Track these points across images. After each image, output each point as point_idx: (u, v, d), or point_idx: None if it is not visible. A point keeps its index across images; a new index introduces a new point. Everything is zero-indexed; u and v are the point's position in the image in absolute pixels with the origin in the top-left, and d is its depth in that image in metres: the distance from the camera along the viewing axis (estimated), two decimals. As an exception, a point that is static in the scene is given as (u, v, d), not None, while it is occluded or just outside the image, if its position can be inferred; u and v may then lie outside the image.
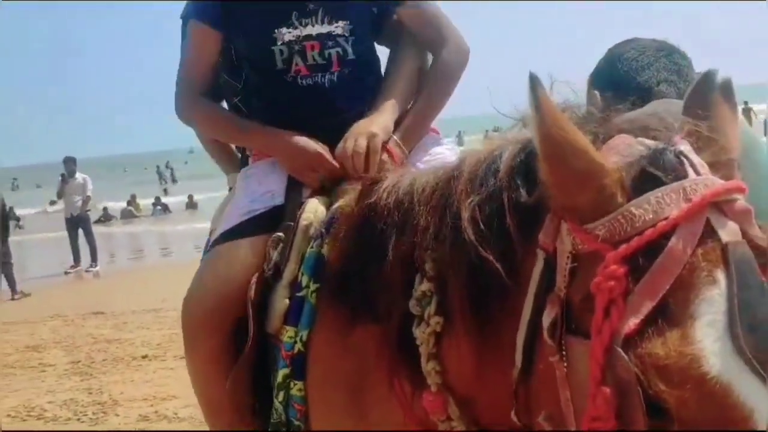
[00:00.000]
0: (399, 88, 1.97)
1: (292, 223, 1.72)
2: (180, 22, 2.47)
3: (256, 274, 1.71)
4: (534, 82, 1.04)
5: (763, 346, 0.92)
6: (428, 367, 1.32)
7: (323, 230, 1.63)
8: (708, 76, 1.16)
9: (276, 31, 1.91)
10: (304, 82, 1.93)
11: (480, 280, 1.20)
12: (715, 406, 0.91)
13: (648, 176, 1.02)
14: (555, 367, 1.06)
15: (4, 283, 11.28)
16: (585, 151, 1.03)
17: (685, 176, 1.02)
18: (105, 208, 23.80)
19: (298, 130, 1.89)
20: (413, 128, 1.94)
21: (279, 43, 1.91)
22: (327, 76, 1.94)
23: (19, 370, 6.83)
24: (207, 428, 1.92)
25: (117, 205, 25.11)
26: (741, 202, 1.02)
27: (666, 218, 0.97)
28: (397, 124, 1.92)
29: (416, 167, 1.82)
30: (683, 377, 0.91)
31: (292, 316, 1.62)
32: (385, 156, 1.85)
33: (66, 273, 13.55)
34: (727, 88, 1.15)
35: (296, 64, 1.92)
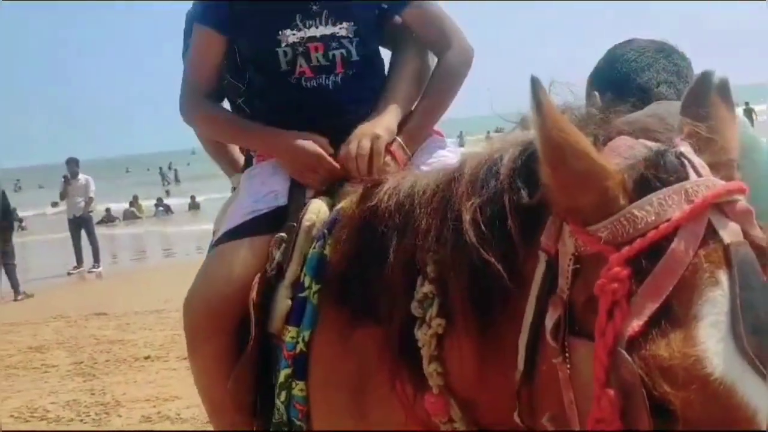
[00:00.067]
0: (402, 90, 1.97)
1: (295, 224, 1.73)
2: (184, 22, 2.48)
3: (259, 274, 1.71)
4: (535, 84, 1.04)
5: (766, 346, 0.93)
6: (430, 368, 1.33)
7: (326, 231, 1.63)
8: (705, 77, 1.16)
9: (280, 32, 1.91)
10: (308, 84, 1.94)
11: (481, 282, 1.20)
12: (719, 406, 0.92)
13: (650, 178, 1.02)
14: (558, 369, 1.07)
15: (8, 284, 11.31)
16: (586, 154, 1.03)
17: (686, 178, 1.02)
18: (108, 209, 23.83)
19: (302, 131, 1.90)
20: (417, 130, 1.95)
21: (283, 45, 1.91)
22: (331, 78, 1.94)
23: (22, 371, 6.83)
24: (209, 429, 1.92)
25: (119, 207, 25.12)
26: (742, 202, 1.02)
27: (668, 220, 0.98)
28: (401, 126, 1.92)
29: (420, 170, 1.82)
30: (687, 378, 0.91)
31: (294, 316, 1.62)
32: (388, 158, 1.85)
33: (69, 274, 13.56)
34: (724, 88, 1.15)
35: (300, 66, 1.93)
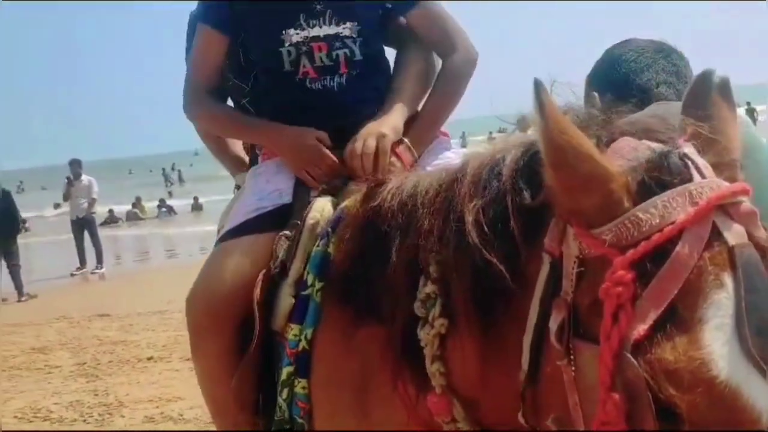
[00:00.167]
0: (408, 89, 1.97)
1: (299, 222, 1.73)
2: (186, 23, 2.49)
3: (263, 272, 1.71)
4: (538, 87, 1.04)
5: (771, 348, 0.93)
6: (432, 368, 1.33)
7: (329, 229, 1.63)
8: (705, 76, 1.15)
9: (284, 32, 1.92)
10: (312, 85, 1.94)
11: (484, 282, 1.20)
12: (724, 409, 0.92)
13: (653, 180, 1.02)
14: (563, 371, 1.06)
15: (12, 285, 11.33)
16: (590, 156, 1.03)
17: (690, 179, 1.02)
18: (111, 210, 23.86)
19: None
20: (423, 133, 1.96)
21: (287, 45, 1.92)
22: (335, 79, 1.94)
23: (26, 371, 6.85)
24: (212, 429, 1.92)
25: (122, 208, 25.15)
26: (746, 204, 1.02)
27: (672, 222, 0.97)
28: (407, 126, 1.93)
29: (425, 170, 1.83)
30: (693, 381, 0.91)
31: (297, 314, 1.63)
32: (394, 159, 1.86)
33: (72, 275, 13.58)
34: (724, 88, 1.14)
35: (304, 66, 1.93)
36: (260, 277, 1.70)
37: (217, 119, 2.10)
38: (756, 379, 0.92)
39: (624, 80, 1.98)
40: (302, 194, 1.86)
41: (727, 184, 1.03)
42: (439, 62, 2.06)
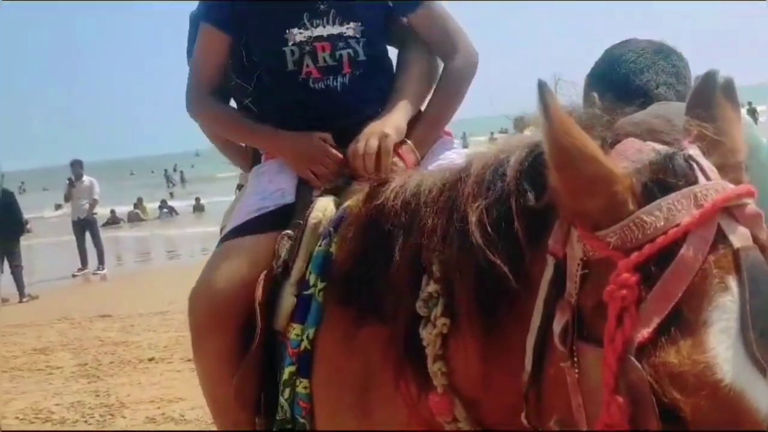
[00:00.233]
0: (410, 89, 1.97)
1: (302, 222, 1.73)
2: (188, 23, 2.49)
3: (265, 272, 1.71)
4: (542, 88, 1.03)
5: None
6: (434, 368, 1.32)
7: (332, 229, 1.63)
8: (709, 77, 1.14)
9: (287, 31, 1.92)
10: (315, 85, 1.94)
11: (487, 283, 1.20)
12: (728, 412, 0.91)
13: (658, 182, 1.01)
14: (566, 373, 1.06)
15: (13, 286, 11.34)
16: (594, 157, 1.02)
17: (695, 181, 1.01)
18: (112, 211, 23.88)
19: (309, 131, 1.90)
20: (426, 135, 1.96)
21: (290, 44, 1.92)
22: (339, 79, 1.94)
23: (27, 372, 6.85)
24: (214, 430, 1.92)
25: (124, 209, 25.17)
26: (751, 206, 1.02)
27: (677, 225, 0.97)
28: (410, 127, 1.93)
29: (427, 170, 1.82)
30: (697, 385, 0.91)
31: (299, 313, 1.62)
32: (396, 159, 1.86)
33: (73, 276, 13.60)
34: (729, 88, 1.13)
35: (307, 66, 1.93)
36: (262, 276, 1.70)
37: (219, 120, 2.10)
38: (760, 383, 0.92)
39: (624, 81, 1.98)
40: (305, 194, 1.85)
41: (732, 186, 1.03)
42: (441, 62, 2.06)
